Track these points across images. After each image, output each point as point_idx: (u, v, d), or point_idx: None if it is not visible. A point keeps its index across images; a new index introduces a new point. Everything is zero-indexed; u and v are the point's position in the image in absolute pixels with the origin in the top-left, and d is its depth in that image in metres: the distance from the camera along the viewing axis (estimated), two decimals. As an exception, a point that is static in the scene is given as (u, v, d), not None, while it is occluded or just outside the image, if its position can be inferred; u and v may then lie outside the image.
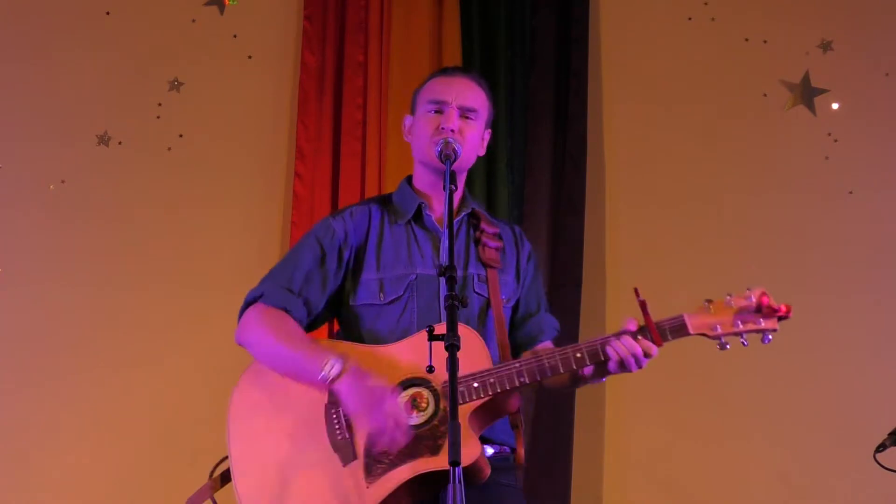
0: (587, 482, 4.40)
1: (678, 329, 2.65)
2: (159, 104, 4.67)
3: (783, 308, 2.64)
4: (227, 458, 2.72)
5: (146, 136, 4.66)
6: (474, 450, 2.60)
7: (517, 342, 2.92)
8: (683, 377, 4.25)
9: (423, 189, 2.94)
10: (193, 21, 4.73)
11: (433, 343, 2.39)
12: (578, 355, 2.66)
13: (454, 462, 2.18)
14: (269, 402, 2.70)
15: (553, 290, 4.45)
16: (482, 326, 2.83)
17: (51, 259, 4.56)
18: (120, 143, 4.66)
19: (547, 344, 2.95)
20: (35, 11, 4.70)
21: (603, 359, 2.65)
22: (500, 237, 2.96)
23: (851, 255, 4.47)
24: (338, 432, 2.64)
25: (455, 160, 2.78)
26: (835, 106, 4.61)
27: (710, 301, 2.68)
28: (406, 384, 2.67)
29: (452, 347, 2.32)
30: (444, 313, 2.73)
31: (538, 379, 2.67)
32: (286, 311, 2.77)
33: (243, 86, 4.70)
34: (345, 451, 2.62)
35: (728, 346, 2.65)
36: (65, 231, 4.58)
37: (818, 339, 4.38)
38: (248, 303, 2.81)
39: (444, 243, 2.88)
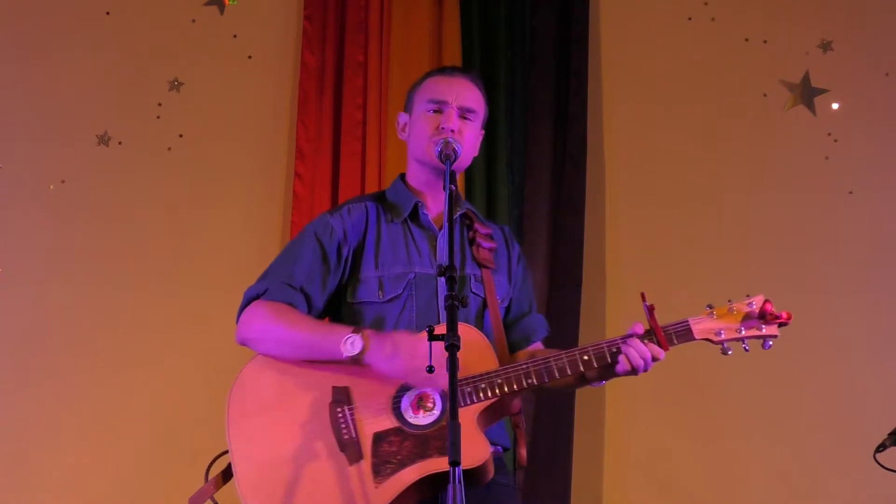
0: (587, 482, 4.40)
1: (684, 334, 2.69)
2: (159, 104, 4.67)
3: (784, 315, 2.69)
4: (222, 455, 2.70)
5: (146, 136, 4.66)
6: (485, 451, 2.60)
7: (511, 343, 2.93)
8: (683, 377, 4.25)
9: (418, 187, 2.93)
10: (193, 21, 4.73)
11: (434, 343, 2.39)
12: (586, 358, 2.68)
13: (454, 462, 2.18)
14: (269, 401, 2.68)
15: (553, 290, 4.46)
16: (480, 327, 2.84)
17: (51, 259, 4.56)
18: (120, 143, 4.66)
19: (538, 345, 2.97)
20: (35, 11, 4.70)
21: (610, 361, 2.68)
22: (492, 238, 2.97)
23: (851, 255, 4.47)
24: (344, 431, 2.62)
25: (455, 160, 2.78)
26: (835, 106, 4.61)
27: (711, 307, 2.72)
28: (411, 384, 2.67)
29: (452, 347, 2.32)
30: (443, 313, 2.75)
31: (546, 380, 2.68)
32: (290, 304, 2.76)
33: (243, 86, 4.70)
34: (351, 450, 2.60)
35: (731, 352, 2.71)
36: (65, 231, 4.58)
37: (818, 339, 4.38)
38: (250, 299, 2.78)
39: (441, 242, 2.88)
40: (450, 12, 4.62)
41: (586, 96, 4.59)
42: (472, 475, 2.59)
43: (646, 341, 2.67)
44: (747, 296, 2.73)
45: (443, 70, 3.04)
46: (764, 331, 2.70)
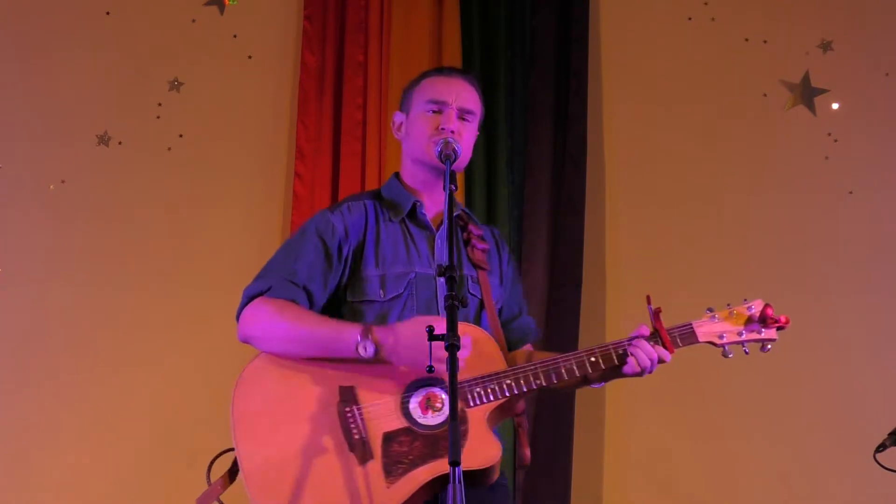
0: (587, 482, 4.40)
1: (688, 336, 2.75)
2: (159, 104, 4.67)
3: (783, 319, 2.76)
4: (223, 453, 2.69)
5: (146, 136, 4.66)
6: (497, 450, 2.62)
7: (507, 344, 2.93)
8: (683, 377, 4.24)
9: (415, 186, 2.93)
10: (193, 21, 4.73)
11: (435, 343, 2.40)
12: (593, 359, 2.71)
13: (454, 462, 2.18)
14: (274, 400, 2.65)
15: (553, 290, 4.46)
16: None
17: (51, 259, 4.56)
18: (120, 143, 4.66)
19: (528, 346, 2.99)
20: (35, 11, 4.70)
21: (617, 363, 2.72)
22: (485, 239, 2.99)
23: (851, 255, 4.47)
24: (353, 431, 2.61)
25: (455, 160, 2.78)
26: (835, 106, 4.61)
27: (712, 309, 2.78)
28: (418, 384, 2.67)
29: (452, 347, 2.32)
30: (443, 313, 2.74)
31: (554, 381, 2.70)
32: (294, 301, 2.74)
33: (243, 86, 4.70)
34: (361, 450, 2.59)
35: (731, 355, 2.77)
36: (65, 231, 4.58)
37: (818, 339, 4.38)
38: (252, 296, 2.75)
39: (439, 243, 2.88)
40: (450, 12, 4.62)
41: (586, 96, 4.59)
42: (481, 475, 2.62)
43: (652, 343, 2.71)
44: (745, 300, 2.80)
45: (441, 70, 3.03)
46: (763, 334, 2.76)
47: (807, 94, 4.60)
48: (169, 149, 4.66)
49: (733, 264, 4.48)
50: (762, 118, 4.61)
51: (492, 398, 2.66)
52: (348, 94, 4.58)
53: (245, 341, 2.76)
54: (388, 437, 2.61)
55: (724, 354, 2.77)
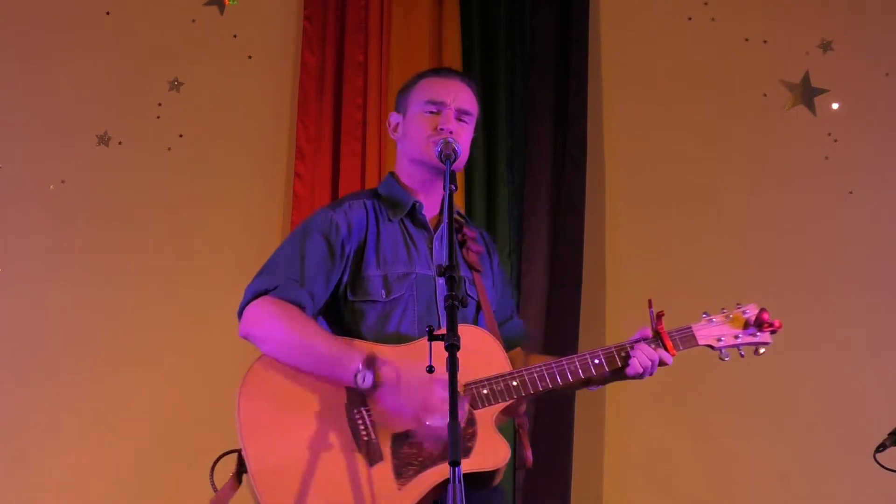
0: (587, 482, 4.40)
1: (688, 339, 2.81)
2: (159, 104, 4.67)
3: (777, 322, 2.85)
4: (226, 454, 2.67)
5: (146, 136, 4.66)
6: (506, 452, 2.63)
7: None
8: (683, 378, 4.22)
9: (412, 187, 2.92)
10: (193, 21, 4.73)
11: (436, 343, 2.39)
12: (597, 361, 2.75)
13: (454, 462, 2.19)
14: (281, 400, 2.64)
15: (553, 290, 4.46)
16: None
17: (51, 259, 4.56)
18: (120, 143, 4.66)
19: (518, 349, 3.00)
20: (35, 11, 4.70)
21: (620, 365, 2.75)
22: (478, 242, 3.00)
23: (851, 255, 4.47)
24: (363, 433, 2.60)
25: (455, 160, 2.78)
26: (835, 106, 4.61)
27: (708, 313, 2.85)
28: None
29: (452, 347, 2.32)
30: (442, 314, 2.75)
31: (559, 383, 2.72)
32: (299, 305, 2.72)
33: (243, 86, 4.70)
34: (371, 452, 2.59)
35: (728, 358, 2.83)
36: (65, 231, 4.58)
37: (818, 339, 4.38)
38: (258, 293, 2.73)
39: (437, 243, 2.88)
40: (450, 12, 4.62)
41: (586, 96, 4.59)
42: (488, 477, 2.63)
43: (653, 346, 2.76)
44: (738, 304, 2.87)
45: (437, 71, 3.03)
46: (758, 338, 2.85)
47: (807, 94, 4.60)
48: (169, 149, 4.66)
49: (733, 264, 4.49)
50: (762, 118, 4.61)
51: (499, 400, 2.67)
52: (348, 94, 4.58)
53: (245, 338, 2.74)
54: (397, 439, 2.61)
55: (721, 357, 2.83)
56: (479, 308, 2.90)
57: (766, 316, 2.84)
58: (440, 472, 2.57)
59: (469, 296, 2.87)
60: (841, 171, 4.54)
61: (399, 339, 2.76)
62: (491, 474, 2.63)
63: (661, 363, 2.77)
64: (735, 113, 4.61)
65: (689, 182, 4.60)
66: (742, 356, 2.86)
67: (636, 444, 4.44)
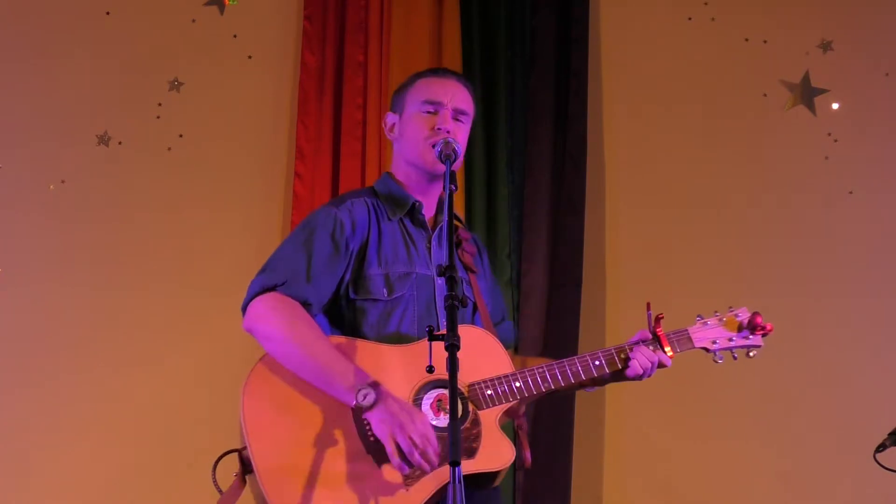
0: (587, 482, 4.40)
1: (685, 342, 2.86)
2: (159, 104, 4.67)
3: (769, 326, 2.90)
4: (228, 453, 2.66)
5: (146, 136, 4.66)
6: (512, 453, 2.65)
7: None
8: (683, 378, 4.23)
9: (409, 187, 2.92)
10: (193, 21, 4.73)
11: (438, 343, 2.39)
12: (597, 363, 2.78)
13: (454, 462, 2.19)
14: (286, 400, 2.62)
15: (553, 290, 4.46)
16: None
17: (51, 259, 4.56)
18: (120, 143, 4.66)
19: (511, 352, 2.99)
20: (35, 11, 4.70)
21: (620, 367, 2.79)
22: (472, 243, 3.02)
23: (851, 255, 4.47)
24: (369, 433, 2.59)
25: (455, 160, 2.78)
26: (835, 106, 4.61)
27: (702, 316, 2.90)
28: (430, 386, 2.66)
29: (452, 347, 2.32)
30: (441, 314, 2.75)
31: (562, 384, 2.75)
32: (305, 302, 2.71)
33: (243, 86, 4.70)
34: (378, 453, 2.58)
35: (721, 360, 2.89)
36: (65, 231, 4.58)
37: (818, 339, 4.38)
38: (265, 288, 2.70)
39: (435, 244, 2.88)
40: (450, 12, 4.62)
41: (586, 96, 4.59)
42: (492, 477, 2.64)
43: (652, 348, 2.81)
44: (730, 307, 2.92)
45: (434, 71, 3.03)
46: (750, 340, 2.90)
47: (807, 94, 4.60)
48: (169, 149, 4.66)
49: (733, 264, 4.49)
50: (762, 118, 4.61)
51: (503, 401, 2.69)
52: (348, 94, 4.58)
53: (249, 332, 2.72)
54: None
55: (715, 360, 2.89)
56: (475, 309, 2.90)
57: (759, 319, 2.88)
58: (447, 472, 2.56)
59: (466, 296, 2.87)
60: (841, 171, 4.54)
61: (399, 338, 2.76)
62: (494, 475, 2.65)
63: (661, 365, 2.81)
64: (735, 113, 4.61)
65: (689, 182, 4.60)
66: (735, 359, 2.92)
67: (636, 444, 4.44)
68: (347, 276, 2.79)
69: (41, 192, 4.61)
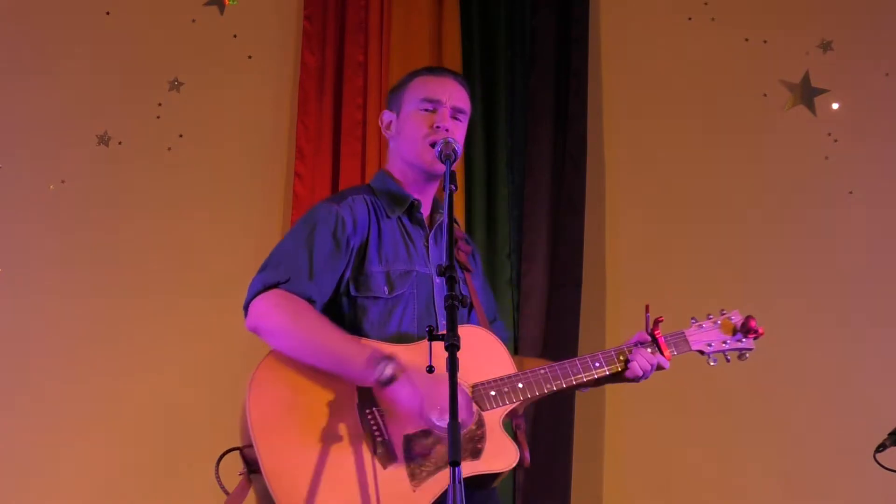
0: (587, 482, 4.40)
1: (682, 344, 2.90)
2: (159, 104, 4.67)
3: (761, 330, 2.93)
4: (230, 451, 2.64)
5: (146, 136, 4.66)
6: (516, 453, 2.66)
7: None
8: (683, 377, 4.22)
9: (406, 184, 2.92)
10: (193, 21, 4.73)
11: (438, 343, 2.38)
12: (598, 364, 2.81)
13: (454, 462, 2.18)
14: (292, 399, 2.61)
15: (553, 290, 4.46)
16: None
17: (51, 259, 4.56)
18: (120, 143, 4.66)
19: None
20: (35, 11, 4.70)
21: (620, 369, 2.82)
22: (467, 242, 3.03)
23: (851, 254, 4.47)
24: (376, 433, 2.59)
25: (455, 160, 2.77)
26: (835, 106, 4.60)
27: (696, 319, 2.94)
28: None
29: (452, 347, 2.32)
30: (440, 313, 2.76)
31: (563, 386, 2.76)
32: (309, 299, 2.70)
33: (243, 86, 4.70)
34: (385, 452, 2.58)
35: (715, 363, 2.93)
36: (65, 231, 4.58)
37: (818, 339, 4.38)
38: (267, 286, 2.68)
39: (433, 242, 2.89)
40: (450, 12, 4.62)
41: (586, 96, 4.59)
42: (493, 477, 2.65)
43: (651, 350, 2.83)
44: (722, 311, 2.96)
45: (431, 70, 3.03)
46: (743, 343, 2.94)
47: (807, 94, 4.60)
48: (169, 149, 4.66)
49: (733, 263, 4.48)
50: (762, 118, 4.61)
51: (506, 402, 2.69)
52: (348, 94, 4.58)
53: (253, 330, 2.70)
54: (409, 440, 2.61)
55: (709, 362, 2.92)
56: (471, 308, 2.90)
57: (752, 323, 2.92)
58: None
59: (466, 296, 2.87)
60: (841, 171, 4.54)
61: (400, 337, 2.76)
62: (496, 475, 2.65)
63: (659, 367, 2.84)
64: (735, 113, 4.61)
65: (689, 182, 4.60)
66: (728, 361, 2.95)
67: (636, 444, 4.44)
68: (348, 274, 2.78)
69: (41, 192, 4.61)
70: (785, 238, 4.51)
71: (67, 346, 4.49)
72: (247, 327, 2.71)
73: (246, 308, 2.71)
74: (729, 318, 2.94)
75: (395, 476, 2.57)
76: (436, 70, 3.03)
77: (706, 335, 2.91)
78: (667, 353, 2.84)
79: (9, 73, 4.65)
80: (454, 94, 2.89)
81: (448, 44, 4.59)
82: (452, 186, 2.66)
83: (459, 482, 2.18)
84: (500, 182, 4.53)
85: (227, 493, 2.62)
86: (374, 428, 2.60)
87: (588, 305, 4.46)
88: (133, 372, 4.45)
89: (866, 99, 4.58)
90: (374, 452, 2.58)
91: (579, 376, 2.78)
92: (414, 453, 2.59)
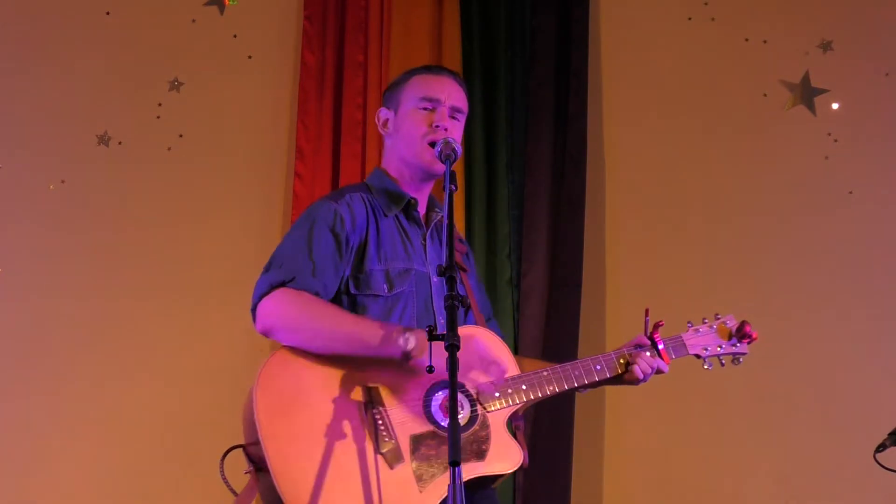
0: (587, 482, 4.40)
1: (680, 348, 2.91)
2: (159, 104, 4.68)
3: (755, 334, 2.95)
4: (233, 448, 2.63)
5: (146, 136, 4.66)
6: (521, 454, 2.66)
7: None
8: (683, 377, 4.22)
9: (403, 182, 2.92)
10: (193, 21, 4.73)
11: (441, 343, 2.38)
12: (598, 367, 2.81)
13: (454, 462, 2.18)
14: (297, 399, 2.59)
15: (553, 291, 4.46)
16: None
17: (51, 259, 4.56)
18: (120, 143, 4.66)
19: None
20: (35, 11, 4.70)
21: (620, 371, 2.83)
22: (462, 242, 3.04)
23: (851, 255, 4.47)
24: (383, 434, 2.59)
25: (455, 160, 2.77)
26: (835, 106, 4.60)
27: (692, 323, 2.96)
28: (439, 387, 2.66)
29: (452, 348, 2.32)
30: (439, 312, 2.76)
31: (565, 388, 2.77)
32: (316, 294, 2.69)
33: (243, 86, 4.70)
34: (391, 453, 2.57)
35: (711, 367, 2.95)
36: (64, 231, 4.58)
37: (818, 339, 4.38)
38: (273, 286, 2.67)
39: (429, 241, 2.89)
40: (450, 12, 4.62)
41: (586, 96, 4.59)
42: (494, 478, 2.65)
43: (650, 354, 2.85)
44: (717, 315, 2.96)
45: (429, 69, 3.02)
46: (738, 348, 2.96)
47: (807, 94, 4.60)
48: (169, 149, 4.66)
49: (733, 264, 4.49)
50: (762, 118, 4.61)
51: (510, 403, 2.69)
52: (348, 94, 4.58)
53: (265, 332, 2.69)
54: (416, 441, 2.60)
55: (704, 366, 2.94)
56: (468, 308, 2.89)
57: (747, 328, 2.93)
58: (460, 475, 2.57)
59: (465, 296, 2.87)
60: (841, 171, 4.54)
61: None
62: (500, 476, 2.65)
63: (658, 371, 2.86)
64: (735, 113, 4.61)
65: (688, 182, 4.60)
66: (723, 365, 2.97)
67: (636, 444, 4.44)
68: (347, 272, 2.78)
69: (41, 192, 4.61)
70: (784, 238, 4.51)
71: (67, 346, 4.49)
72: (257, 330, 2.70)
73: (253, 311, 2.70)
74: (724, 323, 2.96)
75: (401, 477, 2.56)
76: (434, 69, 3.03)
77: (702, 339, 2.93)
78: (666, 357, 2.86)
79: (9, 72, 4.65)
80: (453, 94, 2.89)
81: (448, 44, 4.59)
82: (452, 186, 2.65)
83: (460, 483, 2.18)
84: (500, 182, 4.53)
85: (233, 491, 2.62)
86: (382, 428, 2.59)
87: (588, 306, 4.46)
88: (133, 372, 4.45)
89: (866, 99, 4.59)
90: (381, 453, 2.57)
91: (581, 379, 2.79)
92: (420, 454, 2.59)
